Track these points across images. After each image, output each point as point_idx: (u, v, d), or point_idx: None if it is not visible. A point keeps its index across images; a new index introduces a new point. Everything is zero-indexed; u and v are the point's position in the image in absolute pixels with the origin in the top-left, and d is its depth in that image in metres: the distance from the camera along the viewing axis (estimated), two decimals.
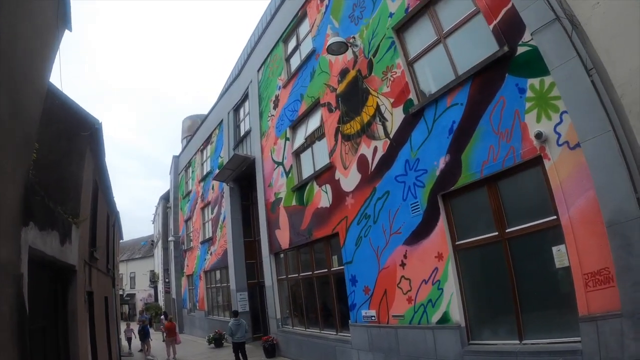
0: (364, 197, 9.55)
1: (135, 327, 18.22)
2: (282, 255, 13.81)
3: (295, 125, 13.31)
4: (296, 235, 12.44)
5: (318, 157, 11.98)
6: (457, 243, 7.31)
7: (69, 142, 8.67)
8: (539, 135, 5.77)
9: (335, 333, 10.64)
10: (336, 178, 10.66)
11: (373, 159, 9.40)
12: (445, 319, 7.33)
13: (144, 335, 16.53)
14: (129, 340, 17.83)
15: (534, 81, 5.95)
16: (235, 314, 13.19)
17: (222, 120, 20.78)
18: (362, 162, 9.74)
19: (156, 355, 16.02)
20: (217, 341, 17.17)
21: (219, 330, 17.60)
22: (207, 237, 21.97)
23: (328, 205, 10.90)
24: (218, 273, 20.43)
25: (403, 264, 8.33)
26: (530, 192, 6.36)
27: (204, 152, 23.87)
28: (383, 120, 9.16)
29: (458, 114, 7.17)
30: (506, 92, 6.34)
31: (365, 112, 9.75)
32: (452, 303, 7.20)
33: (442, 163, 7.49)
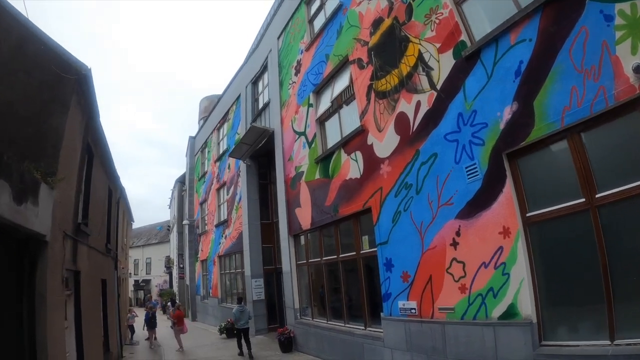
0: (404, 162, 7.90)
1: (141, 312, 16.97)
2: (302, 237, 12.26)
3: (319, 90, 11.75)
4: (319, 213, 10.85)
5: (346, 122, 10.41)
6: (528, 215, 5.74)
7: (51, 91, 7.34)
8: (638, 69, 4.46)
9: (363, 328, 9.05)
10: (368, 143, 9.03)
11: (415, 117, 7.79)
12: (511, 312, 5.75)
13: (153, 324, 15.27)
14: (131, 327, 16.61)
15: (623, 6, 4.68)
16: (239, 300, 13.26)
17: (239, 95, 19.39)
18: (402, 122, 8.12)
19: (162, 344, 14.75)
20: (228, 331, 15.82)
21: (231, 320, 16.17)
22: (222, 219, 20.64)
23: (358, 176, 9.28)
24: (233, 258, 19.13)
25: (455, 243, 6.68)
26: (628, 144, 4.80)
27: (221, 130, 22.55)
28: (427, 69, 7.59)
29: (526, 52, 5.76)
30: (588, 21, 5.04)
31: (405, 63, 8.21)
32: (521, 292, 5.63)
33: (507, 113, 5.96)
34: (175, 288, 30.33)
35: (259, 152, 16.49)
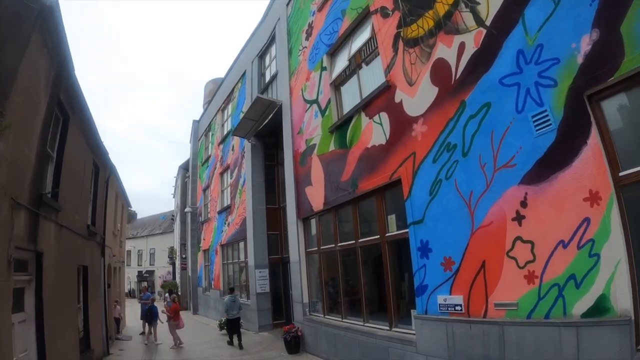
0: (445, 119, 6.28)
1: (133, 305, 15.46)
2: (313, 221, 10.65)
3: (334, 51, 10.15)
4: (334, 190, 9.24)
5: (367, 81, 8.82)
6: (622, 174, 4.23)
7: (10, 28, 5.92)
8: None
9: (387, 328, 7.43)
10: (396, 101, 7.39)
11: (458, 62, 6.21)
12: (601, 307, 4.23)
13: (151, 317, 13.77)
14: (117, 320, 15.15)
15: None
16: (231, 290, 13.72)
17: (244, 72, 17.82)
18: (440, 70, 6.53)
19: (162, 341, 13.29)
20: None
21: None
22: (225, 205, 19.11)
23: (383, 142, 7.64)
24: (235, 247, 17.60)
25: (519, 217, 5.06)
26: None
27: (225, 111, 21.01)
28: (472, 4, 6.00)
29: None
30: None
31: (441, 2, 6.61)
32: (615, 280, 4.12)
33: (585, 44, 4.50)
34: (178, 279, 28.94)
35: (265, 131, 15.04)
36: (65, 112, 8.59)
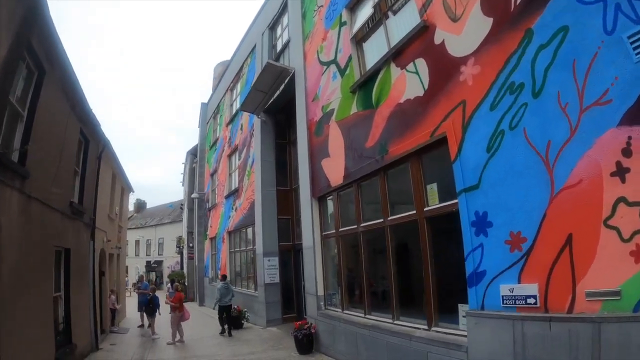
0: (504, 54, 4.82)
1: (128, 295, 14.25)
2: (330, 199, 9.23)
3: (354, 5, 8.62)
4: (357, 160, 7.83)
5: (396, 28, 7.34)
6: None
7: None
8: None
9: (426, 327, 5.98)
10: (436, 42, 5.92)
11: None
12: None
13: (153, 309, 12.55)
14: (113, 312, 13.96)
15: None
16: (223, 277, 13.81)
17: (254, 46, 16.42)
18: None
19: (160, 335, 12.09)
20: (235, 321, 12.98)
21: (238, 308, 13.42)
22: (232, 189, 17.80)
23: (421, 94, 6.17)
24: (243, 234, 16.30)
25: (621, 171, 3.67)
26: None
27: (234, 90, 19.69)
28: None
29: None
30: None
31: None
32: None
33: None
34: (186, 270, 27.84)
35: (276, 105, 13.71)
36: (40, 65, 7.30)
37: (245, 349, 9.83)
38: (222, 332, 12.31)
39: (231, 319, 12.44)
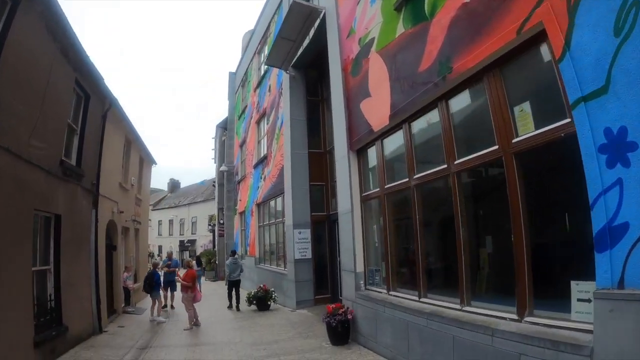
0: None
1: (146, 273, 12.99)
2: (372, 151, 7.39)
3: None
4: (406, 91, 5.94)
5: None
6: None
7: None
8: None
9: (516, 317, 4.08)
10: None
11: None
12: None
13: (151, 287, 11.23)
14: (127, 290, 12.77)
15: None
16: (233, 253, 13.80)
17: (281, 1, 14.54)
18: None
19: (171, 316, 10.79)
20: (260, 301, 11.56)
21: (264, 286, 11.93)
22: (261, 156, 16.25)
23: None
24: (273, 205, 14.77)
25: None
26: None
27: (262, 54, 18.03)
28: None
29: None
30: None
31: None
32: None
33: None
34: (217, 248, 26.85)
35: (306, 58, 12.07)
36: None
37: (269, 336, 8.28)
38: (230, 307, 12.47)
39: (239, 294, 12.52)
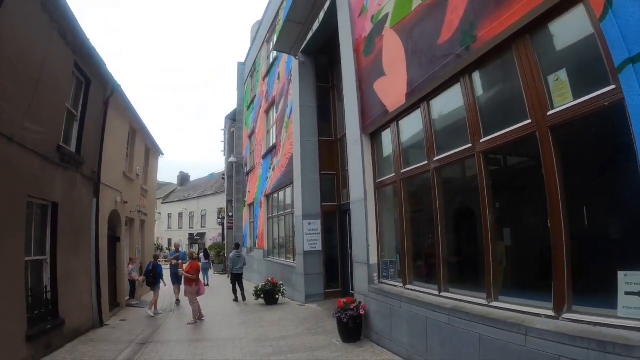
0: None
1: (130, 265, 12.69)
2: (387, 134, 6.92)
3: None
4: (425, 66, 5.46)
5: None
6: None
7: None
8: None
9: (552, 313, 3.60)
10: None
11: None
12: None
13: (154, 279, 10.93)
14: (132, 283, 12.49)
15: None
16: (237, 246, 14.04)
17: None
18: None
19: (161, 310, 10.54)
20: (268, 295, 11.18)
21: (272, 279, 11.54)
22: (270, 146, 15.86)
23: None
24: (282, 196, 14.37)
25: None
26: None
27: (270, 42, 17.57)
28: None
29: None
30: None
31: None
32: None
33: None
34: (226, 241, 26.60)
35: (316, 43, 11.65)
36: None
37: (276, 332, 7.88)
38: (235, 300, 12.50)
39: (242, 286, 12.62)
